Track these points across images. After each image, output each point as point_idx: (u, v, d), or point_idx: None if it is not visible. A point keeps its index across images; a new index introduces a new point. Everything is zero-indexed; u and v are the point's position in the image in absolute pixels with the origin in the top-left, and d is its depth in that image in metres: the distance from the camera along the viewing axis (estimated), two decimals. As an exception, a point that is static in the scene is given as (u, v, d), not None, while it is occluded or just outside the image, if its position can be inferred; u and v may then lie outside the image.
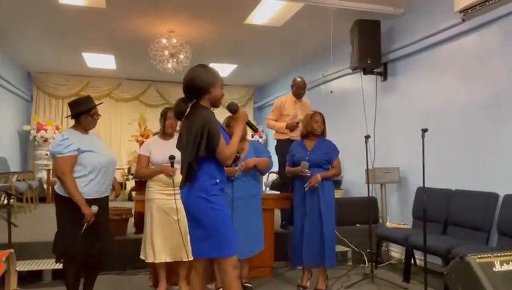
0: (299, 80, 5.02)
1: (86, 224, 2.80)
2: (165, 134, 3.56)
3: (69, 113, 3.03)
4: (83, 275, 3.09)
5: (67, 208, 2.83)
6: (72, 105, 3.00)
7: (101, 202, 2.96)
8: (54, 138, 8.32)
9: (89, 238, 2.82)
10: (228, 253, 2.37)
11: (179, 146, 2.56)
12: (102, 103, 3.29)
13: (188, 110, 2.46)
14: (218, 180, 2.41)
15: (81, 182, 2.84)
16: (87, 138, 2.98)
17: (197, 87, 2.43)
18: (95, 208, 2.84)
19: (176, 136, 3.52)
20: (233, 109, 2.60)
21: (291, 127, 4.73)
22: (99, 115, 3.07)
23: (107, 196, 3.07)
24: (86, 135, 3.00)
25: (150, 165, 3.50)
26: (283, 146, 4.65)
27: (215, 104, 2.52)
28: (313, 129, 3.76)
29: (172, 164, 3.34)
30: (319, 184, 3.62)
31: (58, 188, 2.91)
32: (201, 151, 2.32)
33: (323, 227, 3.62)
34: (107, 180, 3.00)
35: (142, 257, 3.49)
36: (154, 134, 4.55)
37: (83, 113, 2.95)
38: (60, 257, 2.98)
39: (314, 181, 3.61)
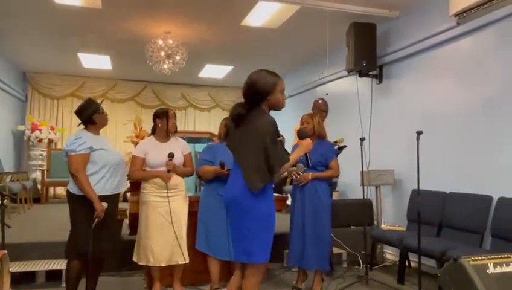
0: (320, 101, 4.66)
1: (96, 220, 2.89)
2: (162, 135, 3.50)
3: (76, 120, 3.19)
4: (85, 275, 3.11)
5: (81, 206, 2.93)
6: (81, 111, 3.11)
7: (111, 200, 3.04)
8: (48, 139, 8.34)
9: (97, 234, 2.88)
10: (260, 259, 2.38)
11: (231, 146, 2.55)
12: (103, 100, 3.39)
13: (247, 113, 2.43)
14: (272, 185, 2.50)
15: (92, 179, 2.95)
16: (98, 138, 3.11)
17: (256, 92, 2.40)
18: (105, 205, 2.94)
19: (172, 139, 3.53)
20: (302, 136, 2.72)
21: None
22: (105, 111, 3.24)
23: (118, 194, 3.15)
24: (97, 136, 3.13)
25: (145, 167, 3.46)
26: None
27: (275, 109, 2.47)
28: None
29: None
30: (309, 183, 3.61)
31: (70, 187, 3.00)
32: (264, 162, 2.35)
33: (308, 230, 3.58)
34: (117, 177, 3.09)
35: (134, 259, 3.47)
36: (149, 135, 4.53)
37: (95, 112, 3.09)
38: (73, 253, 3.00)
39: (303, 179, 3.62)
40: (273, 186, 2.54)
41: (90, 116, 3.08)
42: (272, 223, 2.43)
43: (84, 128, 3.13)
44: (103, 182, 2.99)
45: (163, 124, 3.46)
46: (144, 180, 3.44)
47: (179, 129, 3.72)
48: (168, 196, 3.34)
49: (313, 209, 3.61)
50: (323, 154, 3.67)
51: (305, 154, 2.72)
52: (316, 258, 3.57)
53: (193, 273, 3.73)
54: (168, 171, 3.38)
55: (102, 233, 2.94)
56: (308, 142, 2.64)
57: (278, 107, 2.46)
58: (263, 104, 2.42)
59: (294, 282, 3.84)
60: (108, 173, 3.02)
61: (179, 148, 3.51)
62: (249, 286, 2.40)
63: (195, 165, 3.69)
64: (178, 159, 3.45)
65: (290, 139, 4.02)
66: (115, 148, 9.41)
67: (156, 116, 3.51)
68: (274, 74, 2.47)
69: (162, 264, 3.36)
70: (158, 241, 3.34)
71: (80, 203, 2.94)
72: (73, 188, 2.98)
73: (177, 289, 3.51)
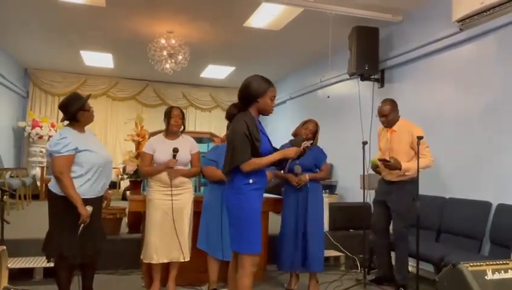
0: (380, 104, 3.97)
1: (82, 225, 2.76)
2: (169, 133, 3.52)
3: (62, 116, 2.99)
4: (79, 274, 3.06)
5: (61, 207, 2.81)
6: (64, 107, 2.94)
7: (96, 202, 2.94)
8: (49, 135, 8.32)
9: (82, 238, 2.78)
10: (246, 250, 2.54)
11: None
12: (90, 95, 3.22)
13: (237, 114, 2.64)
14: (251, 181, 2.55)
15: (77, 181, 2.81)
16: (84, 137, 2.95)
17: (246, 95, 2.59)
18: (89, 209, 2.81)
19: (181, 138, 3.54)
20: (292, 143, 2.78)
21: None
22: (91, 107, 3.04)
23: (102, 196, 3.05)
24: (83, 134, 2.97)
25: (153, 164, 3.47)
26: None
27: (263, 113, 2.65)
28: (300, 135, 3.78)
29: (174, 157, 3.34)
30: (307, 185, 3.66)
31: (52, 186, 2.87)
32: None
33: (310, 230, 3.62)
34: (103, 179, 2.97)
35: (142, 256, 3.47)
36: (151, 134, 4.53)
37: (79, 110, 2.92)
38: (52, 256, 2.93)
39: (302, 180, 3.65)
40: (250, 181, 2.54)
41: (75, 113, 2.89)
42: (243, 213, 2.53)
43: (68, 125, 2.95)
44: (88, 184, 2.85)
45: (166, 122, 3.50)
46: (153, 175, 3.45)
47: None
48: (171, 194, 3.36)
49: (312, 210, 3.65)
50: (316, 157, 3.79)
51: (286, 160, 2.68)
52: (316, 259, 3.60)
53: (193, 273, 3.73)
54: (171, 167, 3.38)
55: (87, 237, 2.81)
56: (290, 150, 2.63)
57: (265, 111, 2.64)
58: (252, 107, 2.60)
59: (286, 284, 3.85)
60: (94, 176, 2.88)
61: (186, 146, 3.51)
62: (238, 278, 2.57)
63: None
64: (185, 158, 3.46)
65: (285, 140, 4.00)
66: (115, 146, 9.47)
67: (164, 114, 3.56)
68: (268, 80, 2.63)
69: (165, 261, 3.39)
70: (161, 238, 3.36)
71: (60, 204, 2.80)
72: (55, 187, 2.84)
73: (171, 287, 3.51)
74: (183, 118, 3.54)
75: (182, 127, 3.57)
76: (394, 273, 3.85)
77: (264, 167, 2.58)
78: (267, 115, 2.68)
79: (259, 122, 2.66)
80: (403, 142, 3.79)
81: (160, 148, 3.44)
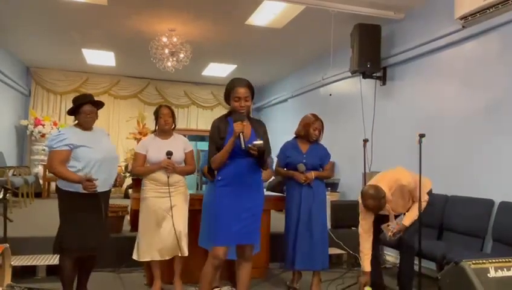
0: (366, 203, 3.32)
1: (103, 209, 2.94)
2: (161, 132, 3.52)
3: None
4: (77, 270, 3.09)
5: (67, 201, 2.88)
6: (72, 102, 3.05)
7: (97, 197, 2.95)
8: (51, 133, 8.34)
9: (83, 230, 2.84)
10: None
11: None
12: (92, 99, 3.14)
13: None
14: (219, 178, 2.83)
15: None
16: (86, 135, 2.99)
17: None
18: (95, 180, 2.84)
19: (174, 136, 3.54)
20: (235, 119, 2.78)
21: None
22: (93, 114, 3.01)
23: (106, 192, 3.06)
24: (87, 132, 3.01)
25: (146, 164, 3.47)
26: None
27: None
28: (309, 135, 3.77)
29: (169, 159, 3.34)
30: (312, 183, 3.67)
31: (59, 181, 2.95)
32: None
33: (315, 229, 3.63)
34: (104, 175, 2.97)
35: (134, 257, 3.46)
36: (152, 132, 4.53)
37: (74, 111, 2.98)
38: (59, 249, 2.96)
39: (308, 178, 3.64)
40: (219, 179, 2.81)
41: (70, 113, 3.01)
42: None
43: (75, 124, 3.04)
44: None
45: (156, 122, 3.53)
46: (145, 175, 3.45)
47: (181, 127, 3.71)
48: (169, 192, 3.35)
49: (316, 209, 3.66)
50: (322, 157, 3.82)
51: (239, 137, 2.67)
52: (321, 257, 3.62)
53: (194, 271, 3.74)
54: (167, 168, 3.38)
55: (87, 229, 2.87)
56: (237, 125, 2.68)
57: (236, 112, 2.80)
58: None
59: (288, 282, 3.86)
60: (92, 171, 2.89)
61: (180, 145, 3.51)
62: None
63: (200, 162, 3.69)
64: (179, 157, 3.46)
65: (287, 138, 3.99)
66: (117, 144, 9.44)
67: (154, 114, 3.57)
68: (228, 84, 2.82)
69: (158, 258, 3.38)
70: (159, 236, 3.36)
71: (66, 198, 2.89)
72: (61, 183, 2.92)
73: (177, 284, 3.51)
74: (173, 116, 3.51)
75: (173, 125, 3.54)
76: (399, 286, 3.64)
77: (223, 157, 2.74)
78: (241, 113, 2.78)
79: (231, 122, 2.80)
80: (402, 200, 3.51)
81: (152, 148, 3.44)
